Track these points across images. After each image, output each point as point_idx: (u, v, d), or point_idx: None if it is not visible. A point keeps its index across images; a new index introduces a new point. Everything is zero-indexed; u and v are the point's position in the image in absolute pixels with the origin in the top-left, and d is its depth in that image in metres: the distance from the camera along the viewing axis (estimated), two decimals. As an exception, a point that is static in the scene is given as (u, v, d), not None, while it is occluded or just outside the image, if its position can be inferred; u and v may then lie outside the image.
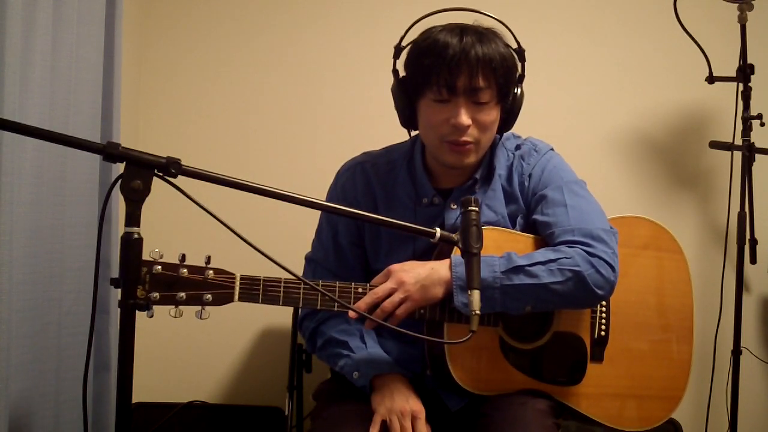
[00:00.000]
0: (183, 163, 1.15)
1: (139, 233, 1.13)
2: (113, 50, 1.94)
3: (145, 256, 1.20)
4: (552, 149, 1.75)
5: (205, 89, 2.54)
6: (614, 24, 2.55)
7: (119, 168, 1.15)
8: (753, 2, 2.19)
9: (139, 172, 1.13)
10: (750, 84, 2.27)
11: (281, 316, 2.33)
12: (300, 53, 2.54)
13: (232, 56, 2.54)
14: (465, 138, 1.58)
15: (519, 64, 1.65)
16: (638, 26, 2.54)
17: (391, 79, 1.69)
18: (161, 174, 1.14)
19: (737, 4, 2.21)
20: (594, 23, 2.55)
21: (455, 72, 1.54)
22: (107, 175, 1.90)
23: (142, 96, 2.53)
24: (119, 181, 1.13)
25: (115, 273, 1.92)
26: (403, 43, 1.66)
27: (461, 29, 1.58)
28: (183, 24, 2.55)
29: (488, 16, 1.65)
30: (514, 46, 1.64)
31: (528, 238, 1.64)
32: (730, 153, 2.36)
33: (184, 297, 1.29)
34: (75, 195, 1.79)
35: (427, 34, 1.60)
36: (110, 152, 1.12)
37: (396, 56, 1.67)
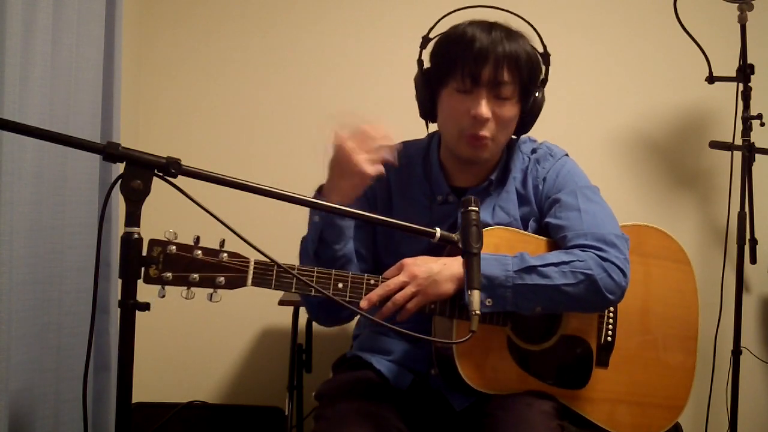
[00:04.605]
0: (183, 163, 1.15)
1: (139, 233, 1.13)
2: (113, 50, 1.94)
3: (159, 236, 1.21)
4: (567, 155, 1.76)
5: (205, 89, 2.54)
6: (614, 24, 2.55)
7: (119, 168, 1.15)
8: (753, 2, 2.20)
9: (139, 172, 1.12)
10: (750, 84, 2.27)
11: (281, 316, 2.33)
12: (300, 53, 2.54)
13: (232, 56, 2.54)
14: (483, 132, 1.59)
15: (543, 68, 1.66)
16: (638, 26, 2.54)
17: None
18: (161, 174, 1.14)
19: (737, 4, 2.21)
20: (594, 23, 2.55)
21: (480, 63, 1.55)
22: (107, 175, 1.90)
23: (142, 96, 2.53)
24: (119, 181, 1.12)
25: (115, 273, 1.92)
26: (431, 36, 1.67)
27: (490, 25, 1.60)
28: (183, 24, 2.55)
29: (518, 17, 1.66)
30: (541, 49, 1.65)
31: (540, 240, 1.64)
32: (730, 153, 2.36)
33: (198, 278, 1.28)
34: (75, 195, 1.79)
35: (456, 27, 1.62)
36: (110, 152, 1.12)
37: (423, 46, 1.68)
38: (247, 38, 2.54)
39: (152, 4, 2.54)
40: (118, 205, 1.92)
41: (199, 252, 1.29)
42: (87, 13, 1.81)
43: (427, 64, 1.67)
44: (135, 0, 2.45)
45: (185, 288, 1.28)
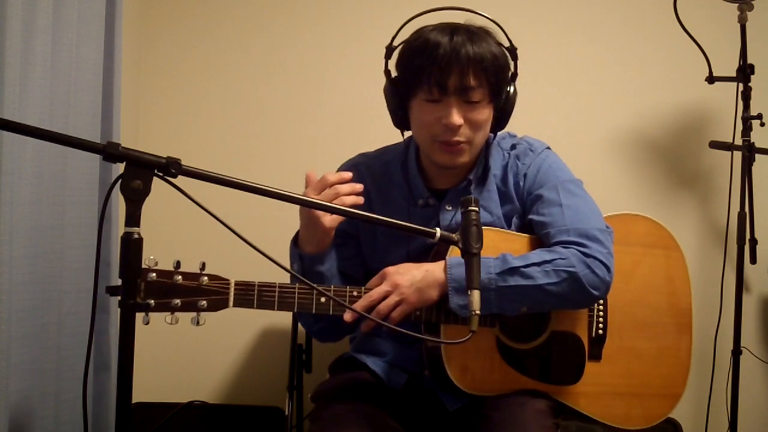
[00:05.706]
0: (183, 163, 1.15)
1: (139, 233, 1.13)
2: (113, 50, 1.94)
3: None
4: (548, 148, 1.75)
5: (205, 89, 2.54)
6: (614, 24, 2.55)
7: (119, 168, 1.15)
8: (753, 2, 2.19)
9: (139, 172, 1.13)
10: (750, 84, 2.27)
11: (281, 316, 2.32)
12: (299, 53, 2.54)
13: (232, 56, 2.54)
14: (457, 138, 1.58)
15: (511, 63, 1.64)
16: (638, 26, 2.54)
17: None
18: (161, 174, 1.14)
19: (737, 4, 2.20)
20: (593, 23, 2.55)
21: (446, 71, 1.54)
22: (107, 175, 1.90)
23: (142, 96, 2.53)
24: (119, 181, 1.13)
25: (115, 273, 1.92)
26: (395, 43, 1.66)
27: (452, 28, 1.57)
28: (183, 24, 2.55)
29: (480, 15, 1.64)
30: (507, 44, 1.63)
31: (524, 238, 1.64)
32: (730, 153, 2.36)
33: (180, 304, 1.31)
34: (75, 195, 1.79)
35: (418, 33, 1.60)
36: (110, 152, 1.12)
37: (387, 56, 1.66)
38: (247, 38, 2.54)
39: (152, 4, 2.54)
40: (118, 205, 1.92)
41: (180, 277, 1.31)
42: (87, 13, 1.81)
43: (394, 73, 1.65)
44: (135, 0, 2.45)
45: (169, 313, 1.30)
